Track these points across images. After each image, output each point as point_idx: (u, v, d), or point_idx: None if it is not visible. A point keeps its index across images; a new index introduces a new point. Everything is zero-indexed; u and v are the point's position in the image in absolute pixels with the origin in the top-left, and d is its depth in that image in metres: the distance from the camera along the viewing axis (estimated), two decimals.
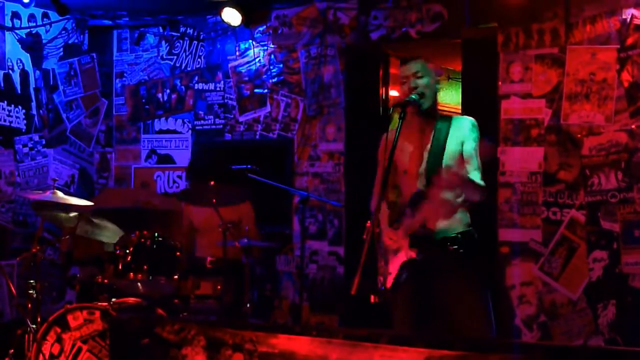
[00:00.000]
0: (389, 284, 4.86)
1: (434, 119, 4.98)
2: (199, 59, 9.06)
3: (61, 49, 9.12)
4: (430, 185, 4.75)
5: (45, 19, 8.88)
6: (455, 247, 4.83)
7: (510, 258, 7.25)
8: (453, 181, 4.58)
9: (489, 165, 7.20)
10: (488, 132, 7.25)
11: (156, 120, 9.29)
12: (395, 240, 4.91)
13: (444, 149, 4.88)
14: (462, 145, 4.88)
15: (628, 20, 6.86)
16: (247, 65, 8.75)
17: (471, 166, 4.87)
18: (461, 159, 4.85)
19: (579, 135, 7.03)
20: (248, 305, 7.01)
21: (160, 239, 6.48)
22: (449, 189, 4.66)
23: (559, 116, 7.11)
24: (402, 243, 4.88)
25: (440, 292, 4.87)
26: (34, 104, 8.74)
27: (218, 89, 8.95)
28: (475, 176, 4.82)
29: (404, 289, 4.89)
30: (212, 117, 8.97)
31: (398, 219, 4.95)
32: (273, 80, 8.59)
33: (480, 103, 7.47)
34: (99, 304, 6.04)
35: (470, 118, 5.01)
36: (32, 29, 8.74)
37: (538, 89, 7.21)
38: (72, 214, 6.60)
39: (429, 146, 4.92)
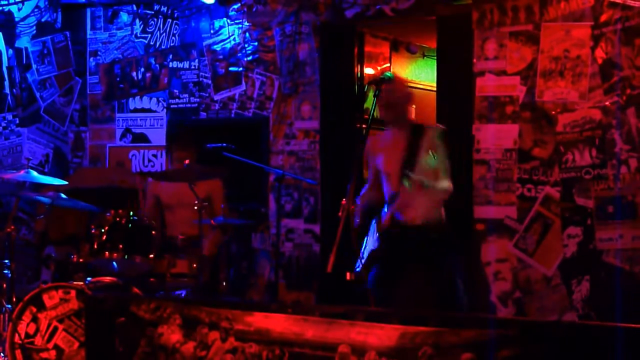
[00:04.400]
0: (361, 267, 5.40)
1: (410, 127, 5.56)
2: (173, 37, 9.01)
3: (34, 28, 9.05)
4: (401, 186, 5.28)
5: None
6: (428, 235, 5.41)
7: (485, 235, 7.28)
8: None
9: (464, 143, 7.26)
10: (463, 110, 7.32)
11: (131, 99, 9.24)
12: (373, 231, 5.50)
13: (416, 158, 5.35)
14: (433, 155, 5.29)
15: None
16: (222, 43, 8.70)
17: (441, 173, 5.42)
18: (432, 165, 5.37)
19: (554, 112, 7.06)
20: (224, 283, 7.01)
21: (135, 218, 6.46)
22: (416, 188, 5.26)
23: (534, 93, 7.13)
24: (375, 235, 5.46)
25: (405, 277, 5.46)
26: (7, 83, 8.68)
27: (193, 67, 8.90)
28: (444, 181, 5.41)
29: (377, 277, 5.46)
30: (187, 95, 8.93)
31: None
32: (248, 58, 8.55)
33: (455, 80, 7.48)
34: (75, 283, 6.03)
35: (440, 127, 5.60)
36: (4, 7, 8.66)
37: (512, 66, 7.22)
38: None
39: (403, 154, 5.40)
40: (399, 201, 5.41)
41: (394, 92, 5.50)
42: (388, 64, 8.73)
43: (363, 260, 5.44)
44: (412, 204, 5.41)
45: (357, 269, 5.38)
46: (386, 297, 5.43)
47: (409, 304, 5.43)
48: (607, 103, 6.86)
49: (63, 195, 6.44)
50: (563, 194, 7.01)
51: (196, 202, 6.51)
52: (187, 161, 6.83)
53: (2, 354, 5.89)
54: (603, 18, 6.88)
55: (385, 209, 5.52)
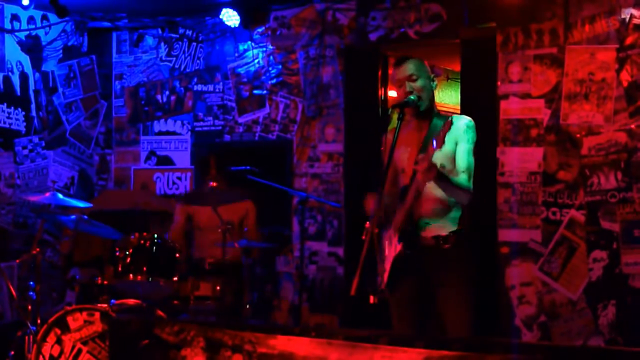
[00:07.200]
0: (384, 282, 4.90)
1: (431, 117, 4.93)
2: (198, 61, 9.06)
3: (60, 51, 9.12)
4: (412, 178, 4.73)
5: (44, 21, 8.88)
6: (447, 245, 4.81)
7: (510, 258, 7.25)
8: (426, 168, 4.44)
9: (488, 166, 7.24)
10: (487, 133, 7.29)
11: (155, 121, 9.29)
12: (388, 238, 4.95)
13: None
14: (456, 145, 4.81)
15: (627, 19, 6.86)
16: (246, 66, 8.75)
17: (459, 167, 4.80)
18: (454, 159, 4.81)
19: (579, 135, 7.03)
20: (247, 306, 7.01)
21: (159, 240, 6.48)
22: (426, 177, 4.57)
23: (558, 116, 7.11)
24: (393, 239, 4.90)
25: (431, 290, 4.88)
26: (33, 106, 8.74)
27: (217, 90, 8.95)
28: (462, 178, 4.75)
29: (400, 286, 4.91)
30: (211, 118, 8.97)
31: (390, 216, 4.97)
32: (272, 81, 8.59)
33: (479, 103, 7.47)
34: (99, 305, 6.05)
35: (468, 118, 4.92)
36: (31, 31, 8.74)
37: (537, 89, 7.21)
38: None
39: (420, 144, 4.84)
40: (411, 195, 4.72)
41: (423, 71, 4.92)
42: None
43: (383, 275, 4.89)
44: (426, 198, 4.74)
45: (380, 287, 4.85)
46: (410, 312, 4.94)
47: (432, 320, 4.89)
48: (632, 126, 6.83)
49: (86, 218, 6.47)
50: (588, 218, 6.97)
51: (226, 224, 6.56)
52: (212, 184, 6.87)
53: None
54: (628, 41, 6.86)
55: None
